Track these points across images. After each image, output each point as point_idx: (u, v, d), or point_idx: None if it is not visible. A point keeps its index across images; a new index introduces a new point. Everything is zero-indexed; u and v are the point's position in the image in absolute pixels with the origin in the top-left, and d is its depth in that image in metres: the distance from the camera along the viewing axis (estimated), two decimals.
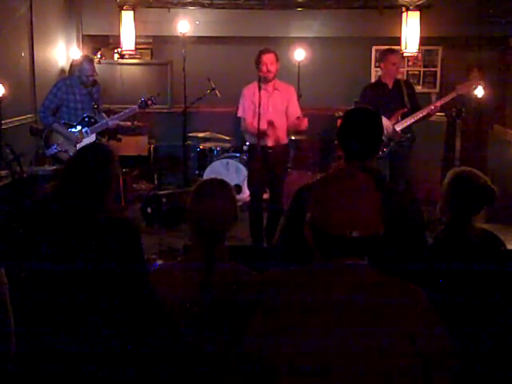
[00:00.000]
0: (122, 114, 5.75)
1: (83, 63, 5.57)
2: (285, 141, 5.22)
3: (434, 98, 7.93)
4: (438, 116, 5.67)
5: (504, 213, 4.74)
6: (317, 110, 7.19)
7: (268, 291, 1.62)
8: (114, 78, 7.72)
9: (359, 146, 2.36)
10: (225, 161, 6.70)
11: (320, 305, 1.51)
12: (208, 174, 6.59)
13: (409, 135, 5.52)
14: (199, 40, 7.60)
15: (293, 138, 6.36)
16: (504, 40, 7.58)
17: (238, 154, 6.73)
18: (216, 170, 6.58)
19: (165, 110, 7.66)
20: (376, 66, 7.80)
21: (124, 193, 6.72)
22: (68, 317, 2.11)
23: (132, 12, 7.38)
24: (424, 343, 1.48)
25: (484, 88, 5.59)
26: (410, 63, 8.05)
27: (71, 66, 7.37)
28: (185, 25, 7.08)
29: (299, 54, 7.37)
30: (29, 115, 6.43)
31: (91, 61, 5.63)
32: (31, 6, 6.44)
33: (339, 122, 2.93)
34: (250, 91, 5.14)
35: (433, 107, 5.44)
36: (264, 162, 5.02)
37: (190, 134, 7.16)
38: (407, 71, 8.03)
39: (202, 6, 7.45)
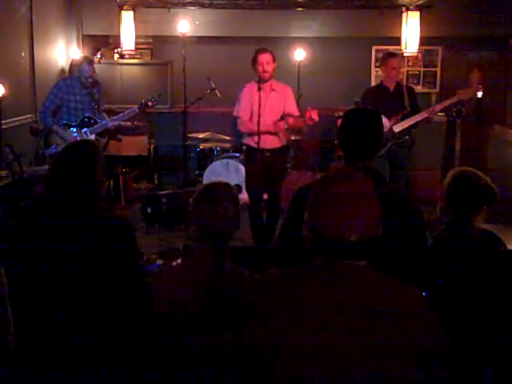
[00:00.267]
0: (122, 115, 5.74)
1: (83, 65, 5.56)
2: (283, 142, 5.15)
3: (433, 98, 7.94)
4: (438, 116, 5.68)
5: (504, 213, 4.75)
6: (317, 110, 7.17)
7: (268, 291, 1.62)
8: (114, 78, 7.71)
9: (359, 146, 2.36)
10: (225, 161, 6.70)
11: (319, 305, 1.51)
12: (208, 173, 6.59)
13: (407, 137, 5.52)
14: (199, 40, 7.60)
15: (293, 138, 6.36)
16: (504, 40, 7.58)
17: (237, 154, 6.72)
18: (216, 170, 6.58)
19: (165, 110, 7.66)
20: (376, 66, 7.80)
21: (124, 193, 6.74)
22: (64, 315, 2.11)
23: (132, 12, 7.38)
24: (422, 344, 1.48)
25: (484, 90, 5.61)
26: (410, 63, 8.05)
27: (71, 65, 7.37)
28: (185, 25, 7.08)
29: (299, 54, 7.37)
30: (29, 115, 6.43)
31: (90, 62, 5.61)
32: (31, 6, 6.44)
33: (339, 122, 2.93)
34: (247, 91, 5.10)
35: (432, 111, 5.45)
36: (262, 164, 4.95)
37: (189, 134, 7.16)
38: (407, 71, 8.03)
39: (202, 5, 7.45)
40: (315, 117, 4.74)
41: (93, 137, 5.56)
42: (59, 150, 5.25)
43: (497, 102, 7.50)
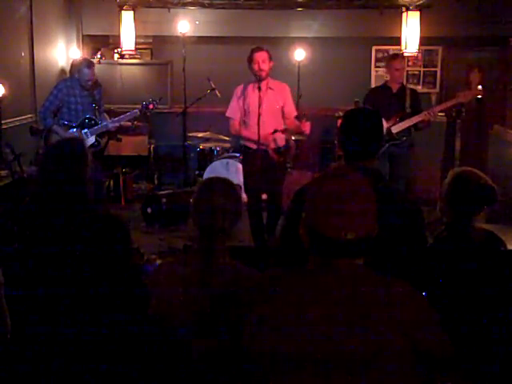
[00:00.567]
0: (123, 116, 5.73)
1: (82, 68, 5.51)
2: (282, 142, 5.06)
3: (433, 98, 7.94)
4: (438, 116, 5.69)
5: (504, 213, 4.74)
6: (317, 110, 7.19)
7: (267, 290, 1.63)
8: (114, 78, 7.71)
9: (359, 146, 2.36)
10: (225, 161, 6.70)
11: (318, 304, 1.51)
12: (208, 174, 6.58)
13: (404, 138, 5.52)
14: (199, 40, 7.60)
15: (293, 138, 6.35)
16: (504, 40, 7.58)
17: (237, 154, 6.71)
18: (216, 169, 6.58)
19: (165, 110, 7.65)
20: (376, 66, 7.81)
21: (124, 193, 6.74)
22: (58, 315, 2.11)
23: (132, 12, 7.38)
24: (420, 342, 1.49)
25: (484, 92, 5.62)
26: (410, 63, 8.06)
27: (72, 66, 7.37)
28: (185, 25, 7.08)
29: (299, 54, 7.38)
30: (29, 115, 6.43)
31: (90, 65, 5.54)
32: (31, 6, 6.44)
33: (339, 122, 2.94)
34: (238, 91, 5.07)
35: (431, 113, 5.45)
36: (261, 165, 4.88)
37: (189, 134, 7.16)
38: (407, 71, 8.03)
39: (202, 5, 7.45)
40: (307, 130, 4.90)
41: (93, 138, 5.56)
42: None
43: (497, 102, 7.49)
